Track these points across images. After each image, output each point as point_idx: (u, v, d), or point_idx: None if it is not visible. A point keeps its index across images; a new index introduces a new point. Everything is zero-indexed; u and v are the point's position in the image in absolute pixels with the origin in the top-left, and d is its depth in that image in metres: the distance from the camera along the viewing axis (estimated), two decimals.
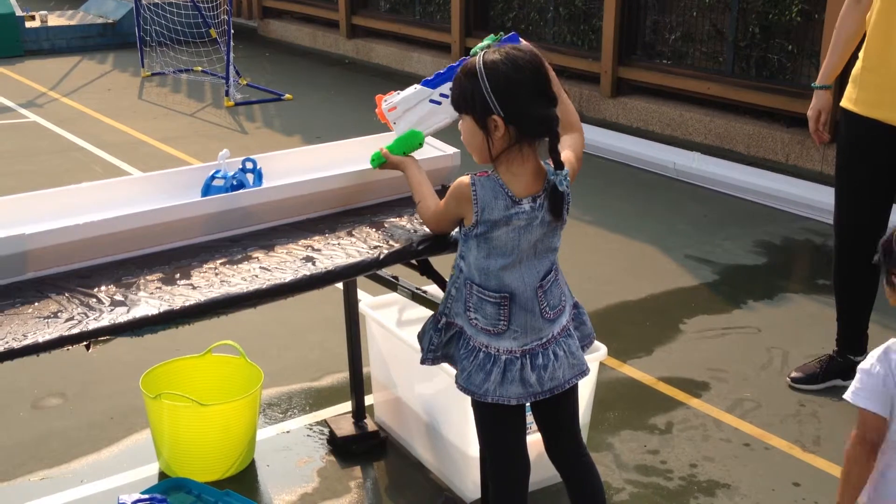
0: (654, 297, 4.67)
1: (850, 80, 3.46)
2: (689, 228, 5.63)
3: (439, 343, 2.35)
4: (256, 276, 2.29)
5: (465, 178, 2.25)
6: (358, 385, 3.39)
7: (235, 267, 2.34)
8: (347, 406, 3.51)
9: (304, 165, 2.93)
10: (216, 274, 2.30)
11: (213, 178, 2.74)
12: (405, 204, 2.78)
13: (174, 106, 8.87)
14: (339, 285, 3.15)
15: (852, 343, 3.72)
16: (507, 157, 2.21)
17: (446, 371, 2.77)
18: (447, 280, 2.52)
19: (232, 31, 8.96)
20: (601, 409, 3.55)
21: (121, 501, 2.62)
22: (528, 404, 2.35)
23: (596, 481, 2.49)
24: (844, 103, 3.48)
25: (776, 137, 6.96)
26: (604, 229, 5.60)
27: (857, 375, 2.08)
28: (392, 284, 2.93)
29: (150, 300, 2.15)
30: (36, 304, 2.13)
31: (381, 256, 2.44)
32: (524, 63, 2.16)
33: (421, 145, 2.59)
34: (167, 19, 10.58)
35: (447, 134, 2.76)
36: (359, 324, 3.34)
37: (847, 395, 2.09)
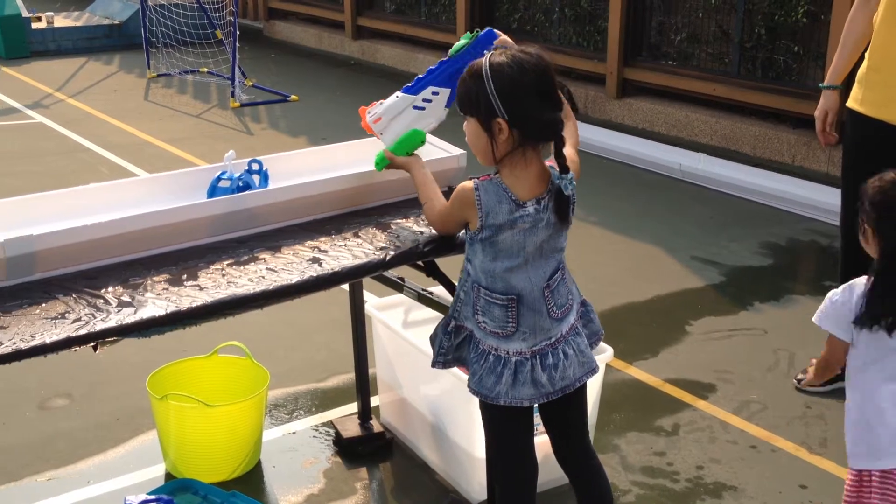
0: (659, 299, 4.66)
1: (856, 80, 3.46)
2: (694, 229, 5.63)
3: (450, 347, 2.35)
4: (263, 277, 2.29)
5: (469, 183, 2.24)
6: (364, 386, 3.39)
7: (242, 268, 2.34)
8: (353, 407, 3.51)
9: (309, 166, 2.93)
10: (223, 275, 2.30)
11: (219, 179, 2.74)
12: (411, 205, 2.78)
13: (180, 107, 8.88)
14: (346, 286, 3.15)
15: None
16: (511, 160, 2.20)
17: (452, 372, 2.77)
18: (453, 281, 2.52)
19: (237, 32, 8.98)
20: (607, 411, 3.55)
21: (127, 502, 2.62)
22: (535, 405, 2.35)
23: (604, 484, 2.49)
24: (850, 103, 3.48)
25: (782, 139, 6.95)
26: (609, 230, 5.60)
27: (824, 302, 2.37)
28: (398, 286, 2.93)
29: (157, 301, 2.15)
30: (43, 304, 2.13)
31: (388, 258, 2.44)
32: (530, 66, 2.15)
33: (423, 143, 2.58)
34: (173, 20, 10.59)
35: (452, 135, 2.76)
36: (365, 325, 3.34)
37: (814, 318, 2.41)
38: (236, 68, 8.94)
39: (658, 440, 3.42)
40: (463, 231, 2.36)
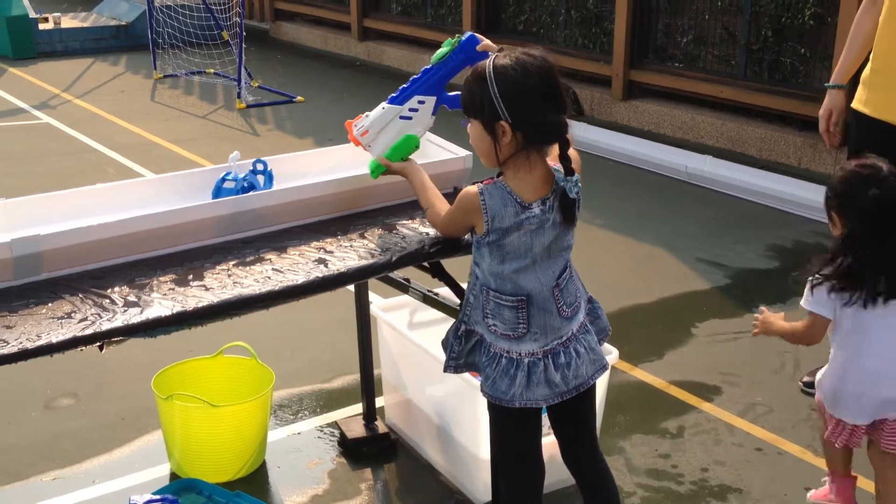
0: (665, 301, 4.66)
1: (861, 81, 3.47)
2: (700, 231, 5.62)
3: (461, 351, 2.35)
4: (269, 277, 2.30)
5: (473, 188, 2.24)
6: (369, 387, 3.39)
7: (248, 268, 2.35)
8: (358, 408, 3.52)
9: (315, 167, 2.93)
10: (229, 275, 2.30)
11: (223, 179, 2.75)
12: (417, 206, 2.78)
13: (186, 108, 8.89)
14: (351, 287, 3.16)
15: None
16: (515, 163, 2.20)
17: (459, 375, 2.76)
18: (458, 282, 2.52)
19: (244, 33, 8.98)
20: (612, 413, 3.55)
21: (132, 502, 2.63)
22: (544, 407, 2.35)
23: (611, 486, 2.49)
24: (855, 104, 3.49)
25: (788, 141, 6.94)
26: (614, 232, 5.59)
27: (807, 289, 2.67)
28: (404, 287, 2.93)
29: (163, 301, 2.16)
30: (50, 304, 2.14)
31: (393, 259, 2.44)
32: (534, 68, 2.14)
33: (417, 148, 2.58)
34: (180, 21, 10.61)
35: (456, 136, 2.76)
36: (370, 326, 3.34)
37: (802, 303, 2.68)
38: (242, 69, 8.95)
39: (663, 442, 3.41)
40: (469, 234, 2.36)
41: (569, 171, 2.20)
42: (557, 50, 8.65)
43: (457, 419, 3.04)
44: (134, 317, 2.09)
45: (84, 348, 2.03)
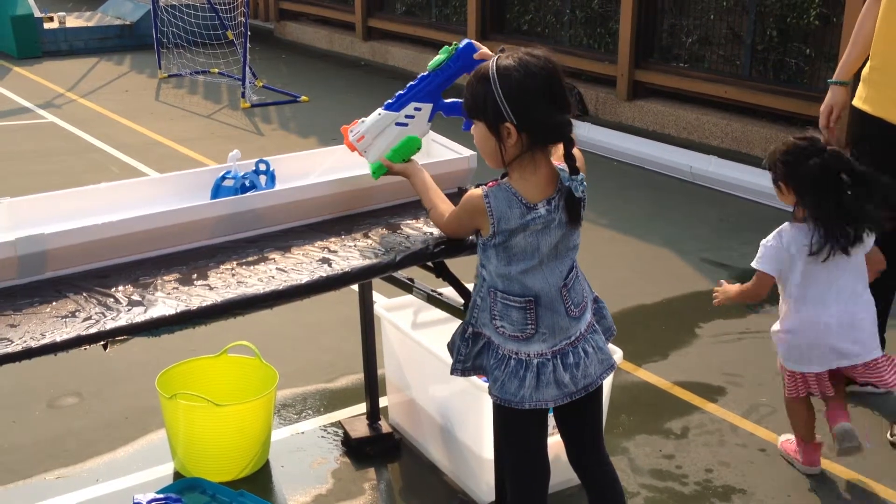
0: (669, 301, 4.65)
1: (861, 79, 3.48)
2: (705, 232, 5.61)
3: (468, 354, 2.34)
4: (273, 277, 2.29)
5: (478, 191, 2.23)
6: (372, 387, 3.39)
7: (252, 268, 2.35)
8: (362, 408, 3.52)
9: (319, 167, 2.93)
10: (233, 275, 2.30)
11: (223, 178, 2.75)
12: (421, 206, 2.77)
13: (191, 107, 8.90)
14: (355, 287, 3.16)
15: None
16: (520, 164, 2.19)
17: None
18: (463, 282, 2.51)
19: (248, 33, 8.99)
20: (616, 413, 3.55)
21: (136, 501, 2.63)
22: (550, 408, 2.35)
23: (617, 487, 2.48)
24: (855, 102, 3.51)
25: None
26: (619, 232, 5.59)
27: (760, 250, 3.04)
28: (407, 286, 2.93)
29: (167, 300, 2.16)
30: (54, 303, 2.14)
31: (397, 258, 2.44)
32: (537, 69, 2.13)
33: (419, 149, 2.57)
34: (184, 21, 10.62)
35: (460, 136, 2.76)
36: (374, 325, 3.34)
37: (753, 264, 3.05)
38: (247, 69, 8.96)
39: (667, 443, 3.41)
40: (474, 236, 2.35)
41: (574, 171, 2.19)
42: (562, 50, 8.64)
43: (460, 419, 3.04)
44: (138, 316, 2.09)
45: (88, 347, 2.03)
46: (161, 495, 2.66)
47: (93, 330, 2.02)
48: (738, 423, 3.53)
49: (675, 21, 8.05)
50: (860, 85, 3.48)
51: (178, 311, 2.12)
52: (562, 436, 2.49)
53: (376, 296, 3.48)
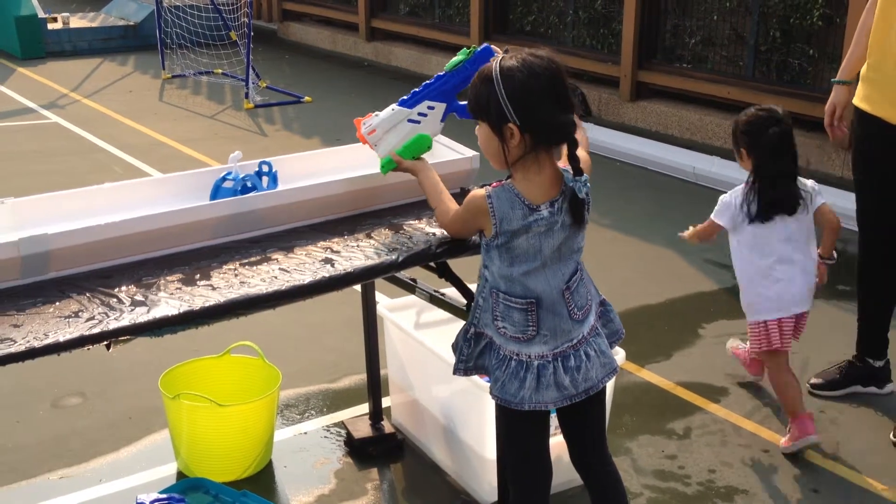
0: (672, 302, 4.65)
1: (860, 78, 3.49)
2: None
3: (470, 354, 2.34)
4: (276, 277, 2.30)
5: (481, 191, 2.23)
6: (375, 387, 3.39)
7: (255, 268, 2.35)
8: (365, 408, 3.52)
9: (322, 168, 2.93)
10: (236, 275, 2.31)
11: (223, 179, 2.75)
12: (424, 206, 2.78)
13: (194, 108, 8.91)
14: (358, 287, 3.16)
15: (872, 345, 3.71)
16: (524, 164, 2.19)
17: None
18: (465, 283, 2.51)
19: (252, 33, 9.00)
20: (619, 414, 3.54)
21: (139, 501, 2.63)
22: (553, 409, 2.34)
23: (619, 488, 2.48)
24: (855, 101, 3.52)
25: (796, 142, 6.91)
26: (622, 233, 5.59)
27: (718, 204, 3.40)
28: (410, 287, 2.93)
29: (170, 300, 2.16)
30: (57, 303, 2.14)
31: (400, 259, 2.44)
32: (541, 69, 2.13)
33: (430, 148, 2.57)
34: (188, 22, 10.63)
35: (463, 137, 2.76)
36: (377, 326, 3.34)
37: (712, 216, 3.40)
38: (250, 70, 8.97)
39: (670, 443, 3.41)
40: (477, 236, 2.35)
41: (577, 172, 2.19)
42: (565, 51, 8.64)
43: (463, 419, 3.04)
44: (141, 316, 2.09)
45: (91, 347, 2.04)
46: (164, 495, 2.67)
47: (96, 330, 2.03)
48: (740, 424, 3.53)
49: (678, 22, 8.05)
50: (859, 84, 3.50)
51: (181, 311, 2.12)
52: (564, 436, 2.49)
53: (379, 296, 3.48)
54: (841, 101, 3.63)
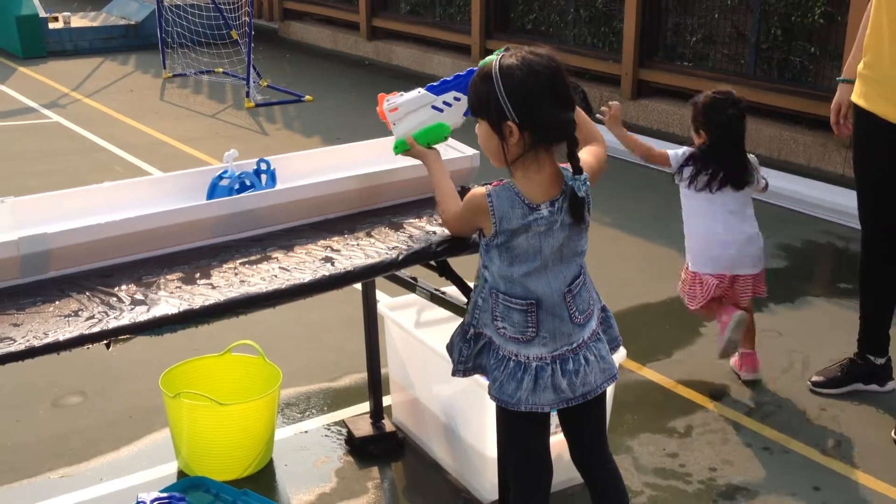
0: (673, 300, 4.64)
1: (857, 75, 3.49)
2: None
3: (469, 354, 2.34)
4: (276, 276, 2.30)
5: (481, 190, 2.23)
6: (376, 386, 3.39)
7: (255, 267, 2.35)
8: (365, 406, 3.52)
9: (323, 166, 2.93)
10: (235, 274, 2.31)
11: (220, 177, 2.75)
12: (424, 205, 2.78)
13: (195, 107, 8.91)
14: (358, 286, 3.15)
15: (873, 342, 3.70)
16: (524, 163, 2.19)
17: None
18: (466, 281, 2.51)
19: (253, 32, 9.00)
20: (620, 412, 3.54)
21: (140, 500, 2.63)
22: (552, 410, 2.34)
23: (620, 487, 2.48)
24: (853, 97, 3.51)
25: (798, 140, 6.91)
26: (623, 231, 5.58)
27: (679, 150, 3.75)
28: (411, 285, 2.93)
29: (169, 299, 2.16)
30: (57, 302, 2.14)
31: (400, 257, 2.44)
32: (540, 67, 2.13)
33: (446, 139, 2.56)
34: (189, 21, 10.63)
35: (465, 136, 2.76)
36: (377, 324, 3.34)
37: (669, 150, 3.75)
38: (251, 69, 8.97)
39: (671, 441, 3.40)
40: (476, 235, 2.35)
41: (577, 170, 2.19)
42: (566, 49, 8.63)
43: (464, 418, 3.04)
44: (141, 315, 2.09)
45: (91, 346, 2.03)
46: (165, 494, 2.67)
47: (96, 329, 2.03)
48: (741, 422, 3.53)
49: (679, 20, 8.04)
50: (857, 81, 3.51)
51: (181, 310, 2.12)
52: (565, 435, 2.48)
53: (379, 295, 3.48)
54: (846, 100, 3.63)
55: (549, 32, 9.24)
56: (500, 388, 2.27)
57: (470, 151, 2.89)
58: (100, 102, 9.07)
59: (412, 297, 3.09)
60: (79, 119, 8.37)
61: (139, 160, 7.09)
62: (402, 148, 2.55)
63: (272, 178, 2.82)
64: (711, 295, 3.69)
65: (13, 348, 1.94)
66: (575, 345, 2.26)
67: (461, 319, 2.40)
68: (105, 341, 2.05)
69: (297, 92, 9.28)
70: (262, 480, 3.17)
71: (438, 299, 2.81)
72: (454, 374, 2.37)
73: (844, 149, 6.40)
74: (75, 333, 2.00)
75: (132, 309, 2.11)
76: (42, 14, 11.41)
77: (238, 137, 7.77)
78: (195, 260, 2.39)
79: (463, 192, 2.40)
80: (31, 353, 1.95)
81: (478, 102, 2.21)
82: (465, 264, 2.64)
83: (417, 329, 3.23)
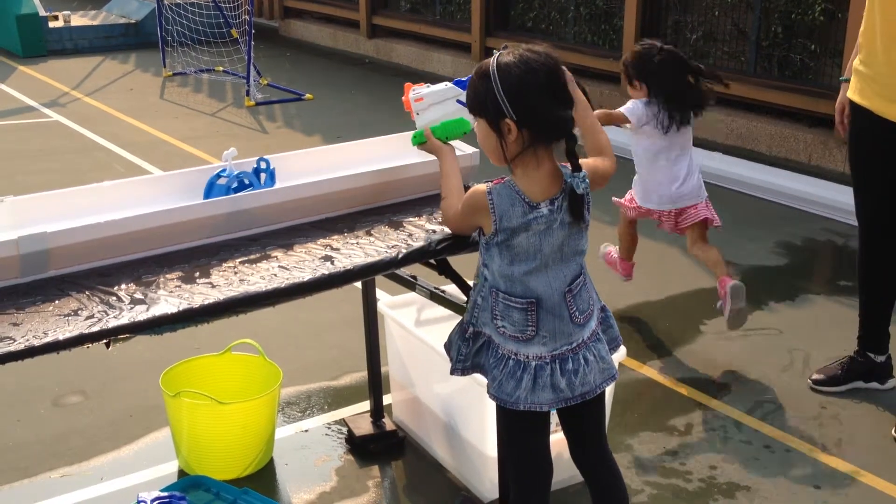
0: (674, 298, 4.65)
1: (853, 71, 3.49)
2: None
3: (468, 353, 2.33)
4: (275, 275, 2.30)
5: (482, 187, 2.23)
6: (376, 384, 3.39)
7: (254, 266, 2.35)
8: (366, 405, 3.52)
9: (323, 165, 2.93)
10: (235, 273, 2.30)
11: (218, 176, 2.74)
12: (424, 203, 2.78)
13: (195, 105, 8.91)
14: (358, 284, 3.15)
15: (873, 340, 3.70)
16: (523, 161, 2.19)
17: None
18: (466, 280, 2.51)
19: (253, 31, 8.99)
20: (620, 411, 3.54)
21: (140, 499, 2.63)
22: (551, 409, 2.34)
23: (620, 485, 2.47)
24: (849, 94, 3.51)
25: (798, 138, 6.91)
26: None
27: (631, 106, 4.00)
28: (410, 284, 2.93)
29: (169, 298, 2.16)
30: (57, 301, 2.14)
31: (400, 256, 2.44)
32: (538, 65, 2.13)
33: (465, 134, 2.56)
34: (189, 19, 10.63)
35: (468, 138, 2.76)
36: (377, 323, 3.34)
37: (622, 109, 4.01)
38: (251, 67, 8.97)
39: (671, 440, 3.40)
40: (476, 233, 2.35)
41: (576, 168, 2.19)
42: (566, 47, 8.63)
43: (464, 416, 3.04)
44: (140, 314, 2.09)
45: (91, 345, 2.03)
46: (165, 493, 2.66)
47: (95, 328, 2.03)
48: (742, 420, 3.53)
49: (679, 17, 8.04)
50: (852, 77, 3.51)
51: (181, 309, 2.12)
52: (565, 433, 2.48)
53: (379, 293, 3.48)
54: (848, 99, 3.64)
55: (549, 30, 9.23)
56: (499, 387, 2.27)
57: (470, 150, 2.88)
58: (100, 101, 9.07)
59: (412, 295, 3.09)
60: (79, 118, 8.38)
61: (139, 159, 7.09)
62: (419, 140, 2.55)
63: (271, 177, 2.82)
64: (655, 217, 4.21)
65: (13, 348, 1.94)
66: (574, 344, 2.26)
67: (461, 318, 2.40)
68: (105, 340, 2.05)
69: (298, 90, 9.27)
70: (263, 479, 3.17)
71: (438, 298, 2.81)
72: (452, 372, 2.37)
73: (845, 146, 6.39)
74: (75, 333, 2.00)
75: (132, 308, 2.11)
76: (42, 13, 11.42)
77: (238, 136, 7.77)
78: (195, 259, 2.39)
79: (464, 190, 2.40)
80: (31, 352, 1.95)
81: (476, 100, 2.21)
82: (464, 263, 2.64)
83: (417, 328, 3.22)
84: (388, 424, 3.40)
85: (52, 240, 2.23)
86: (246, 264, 2.36)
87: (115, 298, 2.16)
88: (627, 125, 4.00)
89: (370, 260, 2.40)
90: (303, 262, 2.37)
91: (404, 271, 2.84)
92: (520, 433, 2.37)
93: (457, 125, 2.54)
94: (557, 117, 2.16)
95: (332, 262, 2.37)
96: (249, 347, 3.29)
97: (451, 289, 2.82)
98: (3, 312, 2.08)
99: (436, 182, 2.57)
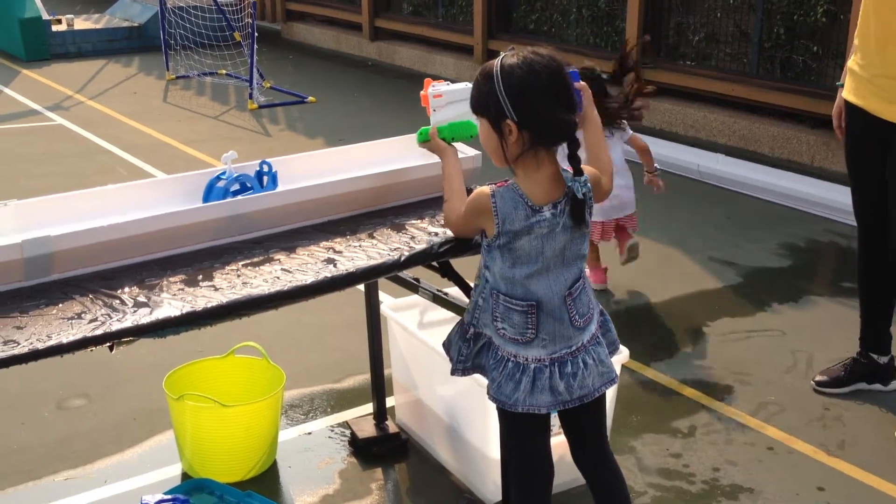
0: (677, 300, 4.64)
1: (848, 71, 3.50)
2: (712, 230, 5.60)
3: (468, 354, 2.34)
4: (278, 277, 2.30)
5: (485, 189, 2.23)
6: (379, 387, 3.39)
7: (257, 269, 2.35)
8: (369, 408, 3.52)
9: (326, 168, 2.93)
10: (238, 275, 2.31)
11: (217, 178, 2.75)
12: (427, 206, 2.78)
13: (198, 109, 8.92)
14: (361, 287, 3.16)
15: (876, 341, 3.70)
16: (524, 162, 2.19)
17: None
18: (468, 282, 2.51)
19: (256, 34, 9.01)
20: (623, 412, 3.54)
21: (144, 502, 2.64)
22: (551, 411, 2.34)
23: (622, 487, 2.47)
24: (844, 94, 3.52)
25: (801, 139, 6.91)
26: None
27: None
28: (413, 286, 2.93)
29: (172, 301, 2.16)
30: (60, 305, 2.14)
31: (403, 258, 2.44)
32: (540, 67, 2.14)
33: (471, 138, 2.56)
34: (192, 23, 10.65)
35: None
36: (380, 326, 3.34)
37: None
38: (254, 70, 8.98)
39: (674, 441, 3.40)
40: (478, 236, 2.35)
41: (577, 172, 2.19)
42: (569, 49, 8.63)
43: (467, 419, 3.04)
44: (144, 317, 2.10)
45: (94, 348, 2.04)
46: (169, 496, 2.67)
47: (99, 331, 2.03)
48: (745, 422, 3.52)
49: (681, 19, 8.04)
50: (847, 77, 3.52)
51: (184, 312, 2.13)
52: (565, 434, 2.48)
53: (382, 296, 3.48)
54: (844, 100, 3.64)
55: (551, 32, 9.24)
56: (499, 389, 2.27)
57: (472, 152, 2.89)
58: (103, 104, 9.08)
59: (415, 298, 3.10)
60: (82, 121, 8.39)
61: (143, 162, 7.10)
62: (423, 138, 2.55)
63: (273, 180, 2.82)
64: (598, 238, 4.44)
65: (17, 351, 1.94)
66: (574, 348, 2.26)
67: (461, 318, 2.41)
68: (108, 344, 2.06)
69: (300, 93, 9.28)
70: (266, 482, 3.18)
71: (441, 300, 2.81)
72: (453, 372, 2.38)
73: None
74: (78, 336, 2.01)
75: (135, 311, 2.12)
76: (45, 17, 11.44)
77: (241, 139, 7.78)
78: (198, 262, 2.39)
79: (466, 192, 2.40)
80: (35, 355, 1.96)
81: (479, 100, 2.22)
82: (466, 265, 2.64)
83: (420, 330, 3.23)
84: (392, 427, 3.40)
85: (56, 243, 2.23)
86: (249, 267, 2.36)
87: (118, 302, 2.16)
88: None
89: (373, 262, 2.40)
90: (306, 265, 2.37)
91: (407, 274, 2.84)
92: (519, 435, 2.38)
93: (464, 127, 2.54)
94: (559, 120, 2.16)
95: (335, 265, 2.38)
96: (252, 350, 3.30)
97: (454, 291, 2.83)
98: (7, 316, 2.09)
99: (438, 185, 2.57)
